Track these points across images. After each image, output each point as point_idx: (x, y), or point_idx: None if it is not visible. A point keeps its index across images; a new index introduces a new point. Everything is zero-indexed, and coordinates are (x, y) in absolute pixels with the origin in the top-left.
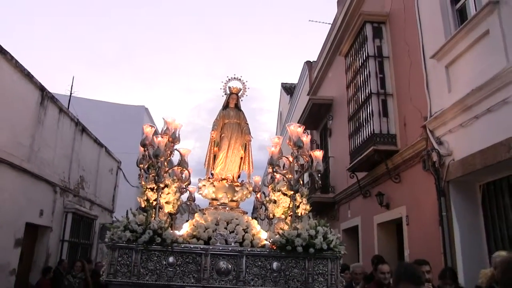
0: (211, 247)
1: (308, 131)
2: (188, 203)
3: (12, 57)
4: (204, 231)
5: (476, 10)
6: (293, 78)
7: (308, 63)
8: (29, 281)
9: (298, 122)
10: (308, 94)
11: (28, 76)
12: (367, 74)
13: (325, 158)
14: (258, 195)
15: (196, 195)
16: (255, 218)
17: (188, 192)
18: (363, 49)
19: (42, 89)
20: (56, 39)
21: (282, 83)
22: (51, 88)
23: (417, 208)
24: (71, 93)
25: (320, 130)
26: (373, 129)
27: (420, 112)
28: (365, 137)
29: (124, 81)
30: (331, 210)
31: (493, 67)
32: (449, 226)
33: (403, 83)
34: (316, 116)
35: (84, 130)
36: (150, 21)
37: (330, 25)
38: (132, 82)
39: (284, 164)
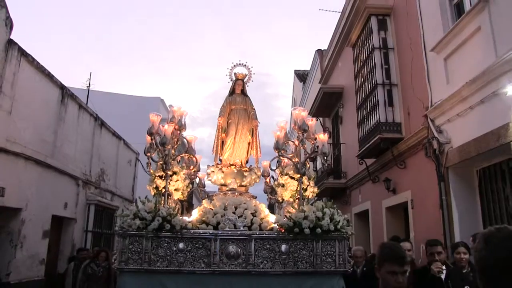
0: (220, 232)
1: (321, 118)
2: (199, 189)
3: (33, 59)
4: (213, 216)
5: (471, 5)
6: (306, 65)
7: (319, 52)
8: (57, 270)
9: (310, 110)
10: (319, 82)
11: (49, 76)
12: (373, 65)
13: (337, 145)
14: (267, 180)
15: (206, 182)
16: (273, 203)
17: (198, 178)
18: (369, 41)
19: (62, 87)
20: (69, 31)
21: (295, 70)
22: (67, 81)
23: (420, 192)
24: (89, 89)
25: (332, 118)
26: (379, 118)
27: (422, 102)
28: (372, 125)
29: (139, 71)
30: (343, 195)
31: (485, 61)
32: (448, 209)
33: (406, 73)
34: (328, 104)
35: (103, 124)
36: (162, 11)
37: (340, 13)
38: (147, 72)
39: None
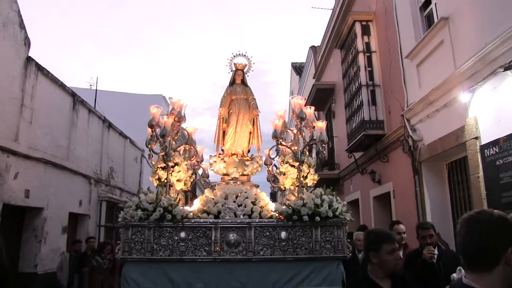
0: (220, 221)
1: (316, 112)
2: (202, 179)
3: (48, 72)
4: (214, 206)
5: (437, 18)
6: (303, 56)
7: (313, 48)
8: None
9: (306, 103)
10: (313, 78)
11: (62, 86)
12: (357, 68)
13: (331, 138)
14: (270, 168)
15: (211, 172)
16: (276, 191)
17: (201, 169)
18: (354, 44)
19: (73, 95)
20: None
21: (292, 63)
22: (65, 74)
23: (400, 184)
24: (96, 91)
25: (325, 112)
26: (364, 116)
27: (400, 103)
28: (358, 122)
29: (137, 62)
30: (337, 185)
31: (446, 70)
32: (422, 199)
33: (387, 75)
34: (321, 99)
35: (110, 125)
36: (159, 1)
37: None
38: (145, 63)
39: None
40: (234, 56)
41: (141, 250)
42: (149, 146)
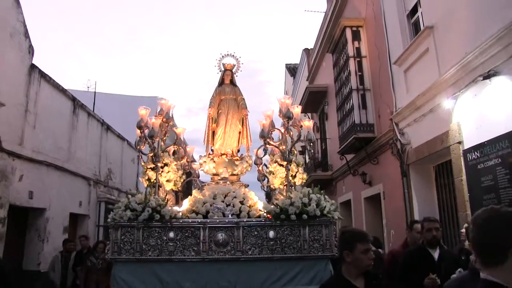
0: (208, 221)
1: (309, 114)
2: (193, 179)
3: (50, 78)
4: (202, 206)
5: (423, 26)
6: (297, 57)
7: (306, 50)
8: None
9: (299, 104)
10: (307, 80)
11: (62, 91)
12: (348, 72)
13: (324, 139)
14: (260, 168)
15: (202, 172)
16: (268, 191)
17: (193, 169)
18: (345, 49)
19: (73, 99)
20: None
21: (286, 64)
22: (61, 74)
23: (390, 185)
24: (95, 95)
25: (319, 114)
26: (354, 120)
27: (389, 107)
28: (349, 125)
29: (132, 62)
30: (330, 186)
31: (431, 77)
32: (410, 200)
33: (376, 80)
34: (314, 101)
35: (108, 128)
36: (153, 3)
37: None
38: (140, 63)
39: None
40: (222, 56)
41: (130, 250)
42: (138, 147)
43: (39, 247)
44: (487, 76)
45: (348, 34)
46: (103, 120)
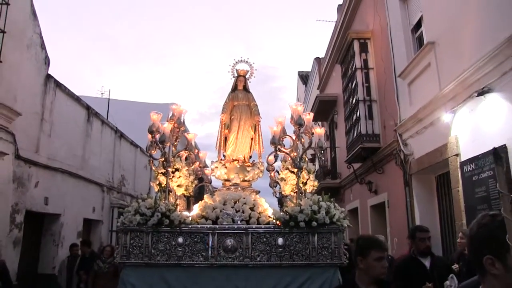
0: (217, 227)
1: (320, 122)
2: (206, 185)
3: (65, 88)
4: (212, 211)
5: (426, 41)
6: (310, 64)
7: (318, 60)
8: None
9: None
10: (317, 88)
11: (77, 100)
12: (355, 84)
13: (333, 148)
14: (272, 174)
15: (212, 177)
16: (280, 197)
17: (204, 174)
18: (353, 61)
19: (87, 108)
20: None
21: (298, 72)
22: (76, 80)
23: (394, 194)
24: (109, 102)
25: (329, 122)
26: (361, 130)
27: (393, 118)
28: (355, 135)
29: (146, 68)
30: (338, 193)
31: (432, 91)
32: (412, 209)
33: (382, 92)
34: (324, 110)
35: (122, 135)
36: (167, 7)
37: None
38: (154, 69)
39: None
40: (236, 62)
41: (139, 255)
42: (149, 152)
43: (53, 251)
44: (482, 92)
45: (356, 46)
46: (116, 127)
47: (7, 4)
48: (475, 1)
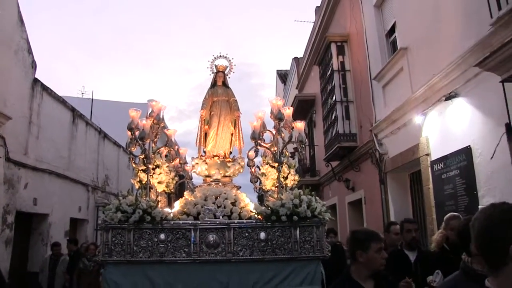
0: (199, 222)
1: (299, 121)
2: (187, 181)
3: (51, 91)
4: (193, 207)
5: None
6: (288, 63)
7: (296, 60)
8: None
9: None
10: (296, 88)
11: (63, 102)
12: (333, 85)
13: (312, 146)
14: (253, 170)
15: (195, 174)
16: (261, 193)
17: (185, 171)
18: (330, 63)
19: (72, 109)
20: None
21: (277, 70)
22: (52, 77)
23: (370, 191)
24: (92, 103)
25: (307, 121)
26: (338, 130)
27: (369, 119)
28: (333, 135)
29: (123, 65)
30: (317, 190)
31: (405, 94)
32: (387, 206)
33: (358, 93)
34: (303, 109)
35: (105, 136)
36: (144, 3)
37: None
38: (132, 66)
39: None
40: (215, 58)
41: (121, 252)
42: (129, 149)
43: (42, 250)
44: (449, 97)
45: (333, 48)
46: (100, 128)
47: None
48: (444, 10)
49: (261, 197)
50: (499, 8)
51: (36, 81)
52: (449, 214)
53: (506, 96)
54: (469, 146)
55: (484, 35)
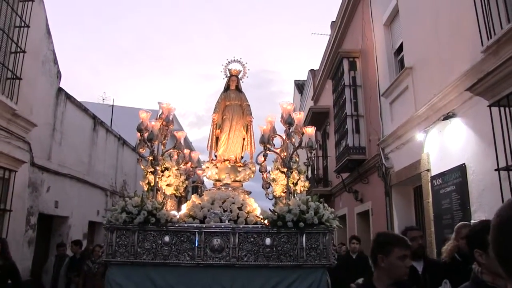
0: (204, 226)
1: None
2: (198, 185)
3: (74, 99)
4: (200, 210)
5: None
6: (305, 73)
7: (312, 71)
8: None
9: (304, 122)
10: (312, 99)
11: (85, 110)
12: (344, 100)
13: (325, 157)
14: (264, 175)
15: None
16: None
17: (197, 175)
18: (342, 78)
19: (94, 117)
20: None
21: (295, 80)
22: (73, 82)
23: (377, 203)
24: (112, 109)
25: (322, 132)
26: (348, 143)
27: (377, 133)
28: (343, 147)
29: (143, 70)
30: (329, 201)
31: (409, 111)
32: (391, 218)
33: (368, 108)
34: (318, 120)
35: (124, 142)
36: (165, 10)
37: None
38: (151, 71)
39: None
40: (228, 62)
41: (125, 254)
42: (138, 150)
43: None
44: (447, 117)
45: (345, 64)
46: (119, 135)
47: (28, 26)
48: (445, 32)
49: (275, 204)
50: (489, 37)
51: (60, 90)
52: (460, 223)
53: (493, 120)
54: (464, 164)
55: (477, 61)
